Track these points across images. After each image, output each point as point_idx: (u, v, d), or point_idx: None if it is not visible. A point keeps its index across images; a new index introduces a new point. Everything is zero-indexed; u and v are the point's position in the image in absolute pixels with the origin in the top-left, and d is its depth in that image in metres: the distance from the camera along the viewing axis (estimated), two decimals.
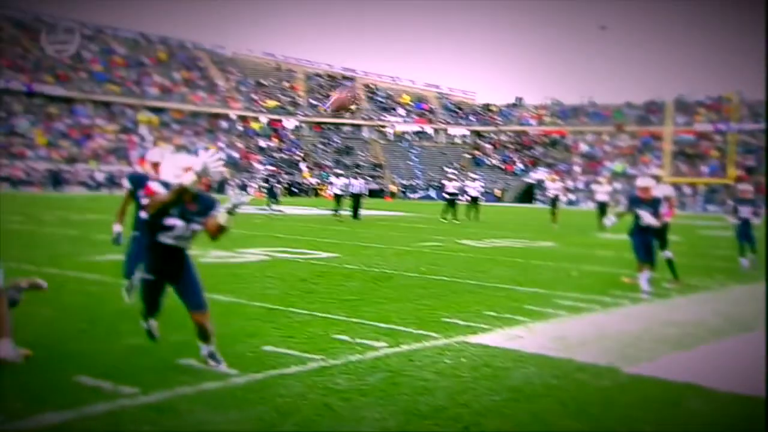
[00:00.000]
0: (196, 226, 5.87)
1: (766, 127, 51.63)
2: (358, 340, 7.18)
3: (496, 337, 7.63)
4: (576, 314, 9.24)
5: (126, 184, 7.84)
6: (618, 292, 11.03)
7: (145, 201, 7.45)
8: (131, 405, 5.04)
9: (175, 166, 5.84)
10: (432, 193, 60.43)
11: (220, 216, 5.77)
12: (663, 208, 11.37)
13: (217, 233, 5.87)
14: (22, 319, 7.57)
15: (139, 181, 7.51)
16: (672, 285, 11.57)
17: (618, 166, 60.14)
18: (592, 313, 9.38)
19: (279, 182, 31.17)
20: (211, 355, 5.94)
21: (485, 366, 6.49)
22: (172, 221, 5.79)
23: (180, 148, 54.62)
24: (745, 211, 15.46)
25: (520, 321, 8.55)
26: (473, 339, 7.52)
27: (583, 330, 8.28)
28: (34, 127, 51.82)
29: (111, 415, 4.83)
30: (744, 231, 15.18)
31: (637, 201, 11.26)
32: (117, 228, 7.84)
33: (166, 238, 5.84)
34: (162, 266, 5.94)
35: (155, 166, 7.33)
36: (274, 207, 28.85)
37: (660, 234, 11.21)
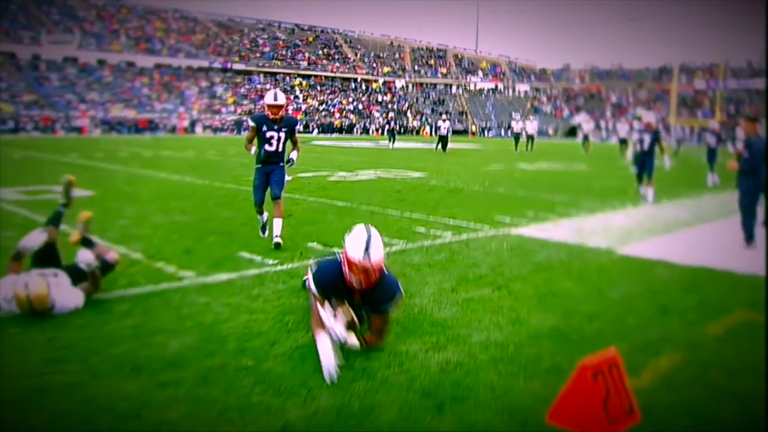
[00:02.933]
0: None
1: (766, 86, 47.54)
2: (432, 231, 7.23)
3: (530, 230, 7.52)
4: (592, 214, 8.95)
5: (250, 122, 6.38)
6: (625, 199, 10.60)
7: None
8: (272, 271, 5.31)
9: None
10: (502, 132, 58.65)
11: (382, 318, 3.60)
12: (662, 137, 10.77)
13: (378, 335, 3.60)
14: (223, 221, 7.96)
15: (260, 120, 6.27)
16: (648, 187, 10.59)
17: (639, 112, 56.64)
18: (604, 213, 9.06)
19: (393, 125, 30.68)
20: None
21: (519, 248, 6.44)
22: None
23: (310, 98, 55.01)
24: (711, 141, 15.08)
25: (550, 219, 8.38)
26: (514, 231, 7.44)
27: (594, 224, 8.03)
28: (227, 92, 53.24)
29: (258, 277, 5.10)
30: (711, 155, 14.85)
31: (642, 131, 10.71)
32: (253, 149, 6.29)
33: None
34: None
35: (267, 106, 6.21)
36: (389, 143, 28.71)
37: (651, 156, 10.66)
